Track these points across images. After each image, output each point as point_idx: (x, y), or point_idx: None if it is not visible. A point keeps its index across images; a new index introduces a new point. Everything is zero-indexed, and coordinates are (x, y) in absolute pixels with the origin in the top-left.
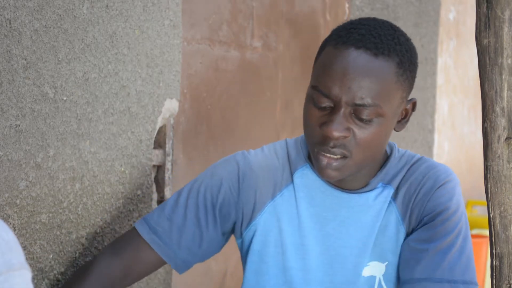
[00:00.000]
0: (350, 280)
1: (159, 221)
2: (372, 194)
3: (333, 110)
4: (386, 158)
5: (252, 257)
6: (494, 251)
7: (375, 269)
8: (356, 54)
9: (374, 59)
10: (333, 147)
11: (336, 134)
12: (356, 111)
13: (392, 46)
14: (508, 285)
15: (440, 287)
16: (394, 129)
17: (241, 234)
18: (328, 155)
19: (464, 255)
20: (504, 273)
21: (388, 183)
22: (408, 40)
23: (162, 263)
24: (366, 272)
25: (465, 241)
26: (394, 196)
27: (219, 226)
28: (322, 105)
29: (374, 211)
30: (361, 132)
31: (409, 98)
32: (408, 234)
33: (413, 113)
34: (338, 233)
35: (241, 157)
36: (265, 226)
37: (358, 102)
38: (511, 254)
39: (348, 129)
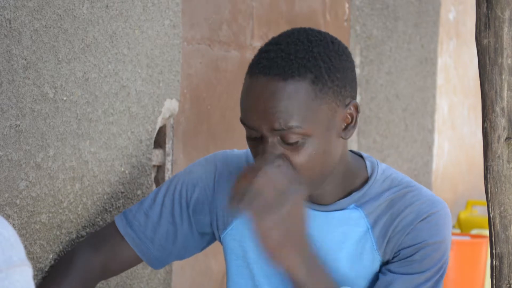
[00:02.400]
0: None
1: (136, 215)
2: (340, 214)
3: (262, 140)
4: (366, 179)
5: (236, 261)
6: (494, 251)
7: None
8: (265, 81)
9: (283, 84)
10: None
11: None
12: (282, 137)
13: (303, 64)
14: (508, 285)
15: None
16: (342, 137)
17: (220, 237)
18: None
19: None
20: (504, 273)
21: (360, 206)
22: (327, 47)
23: (138, 258)
24: None
25: (441, 278)
26: (373, 225)
27: (194, 225)
28: (252, 137)
29: (342, 233)
30: (295, 157)
31: (347, 103)
32: (383, 263)
33: (359, 114)
34: None
35: (221, 157)
36: (244, 232)
37: (277, 128)
38: (511, 254)
39: (280, 156)
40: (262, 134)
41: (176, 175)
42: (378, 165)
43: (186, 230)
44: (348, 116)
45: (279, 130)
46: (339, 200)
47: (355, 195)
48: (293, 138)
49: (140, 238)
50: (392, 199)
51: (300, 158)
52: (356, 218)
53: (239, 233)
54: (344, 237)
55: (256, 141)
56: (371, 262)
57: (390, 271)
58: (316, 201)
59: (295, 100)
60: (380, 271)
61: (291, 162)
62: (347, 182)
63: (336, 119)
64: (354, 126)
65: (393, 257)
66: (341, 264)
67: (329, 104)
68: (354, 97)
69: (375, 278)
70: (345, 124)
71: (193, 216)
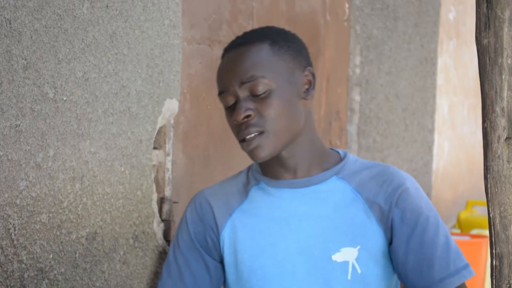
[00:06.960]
0: (320, 266)
1: (167, 282)
2: (326, 186)
3: (236, 103)
4: (339, 159)
5: (229, 269)
6: (494, 251)
7: (348, 255)
8: (233, 52)
9: (248, 47)
10: (245, 129)
11: (240, 116)
12: (251, 92)
13: (263, 34)
14: (508, 285)
15: (461, 276)
16: (304, 99)
17: (220, 248)
18: (246, 137)
19: (451, 242)
20: (504, 273)
21: (343, 178)
22: (281, 28)
23: None
24: (339, 257)
25: (437, 219)
26: (360, 191)
27: (207, 255)
28: (229, 104)
29: (332, 202)
30: (263, 107)
31: (303, 68)
32: (379, 220)
33: (316, 80)
34: (299, 228)
35: (198, 195)
36: (230, 239)
37: (244, 80)
38: (511, 254)
39: (250, 109)
40: (235, 94)
41: (175, 233)
42: (347, 152)
43: (210, 261)
44: (306, 80)
45: (247, 82)
46: (319, 173)
47: (335, 169)
48: (260, 90)
49: None
50: (375, 173)
51: (268, 109)
52: (341, 188)
53: (227, 241)
54: (336, 205)
55: (233, 109)
56: (365, 219)
57: (403, 242)
58: (295, 174)
59: (257, 57)
60: (402, 254)
61: (261, 113)
62: (322, 159)
63: (296, 78)
64: (313, 89)
65: (392, 223)
66: (339, 229)
67: (287, 63)
68: (310, 66)
69: (375, 237)
70: (306, 87)
71: (201, 246)
